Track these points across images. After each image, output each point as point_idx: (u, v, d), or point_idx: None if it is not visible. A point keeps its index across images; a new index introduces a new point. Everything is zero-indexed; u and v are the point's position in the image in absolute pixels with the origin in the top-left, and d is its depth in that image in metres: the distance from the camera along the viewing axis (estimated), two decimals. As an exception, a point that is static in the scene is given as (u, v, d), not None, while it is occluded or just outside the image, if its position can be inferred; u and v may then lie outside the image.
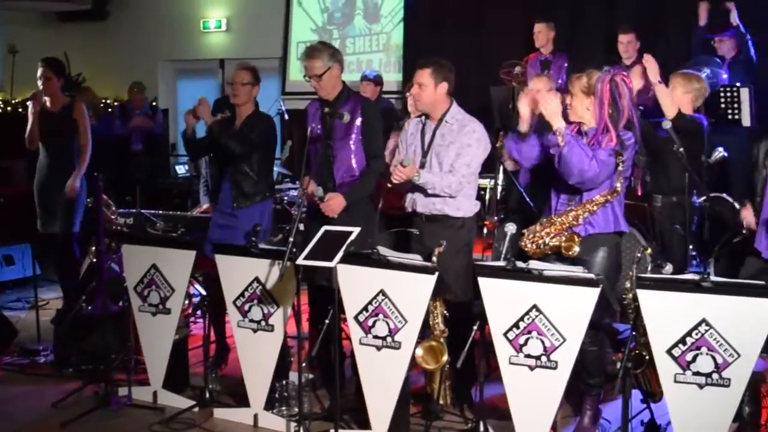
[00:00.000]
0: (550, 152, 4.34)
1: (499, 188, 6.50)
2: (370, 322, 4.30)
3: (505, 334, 4.02)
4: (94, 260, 6.25)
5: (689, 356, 3.69)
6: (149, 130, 9.50)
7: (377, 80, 7.90)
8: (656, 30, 8.39)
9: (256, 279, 4.68)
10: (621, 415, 3.77)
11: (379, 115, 5.08)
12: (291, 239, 4.33)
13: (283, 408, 4.75)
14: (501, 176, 6.39)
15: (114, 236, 5.90)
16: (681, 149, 5.21)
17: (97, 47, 12.04)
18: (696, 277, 3.72)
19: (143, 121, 9.44)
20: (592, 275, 3.89)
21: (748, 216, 4.64)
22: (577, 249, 4.22)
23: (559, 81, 7.38)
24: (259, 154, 5.36)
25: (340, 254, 4.19)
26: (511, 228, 4.70)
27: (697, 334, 3.67)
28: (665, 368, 3.74)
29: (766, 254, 4.50)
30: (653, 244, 5.44)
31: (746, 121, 6.99)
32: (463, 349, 4.15)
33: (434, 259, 4.17)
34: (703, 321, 3.66)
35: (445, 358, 4.39)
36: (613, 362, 4.52)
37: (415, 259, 4.29)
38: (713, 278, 3.73)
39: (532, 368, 3.96)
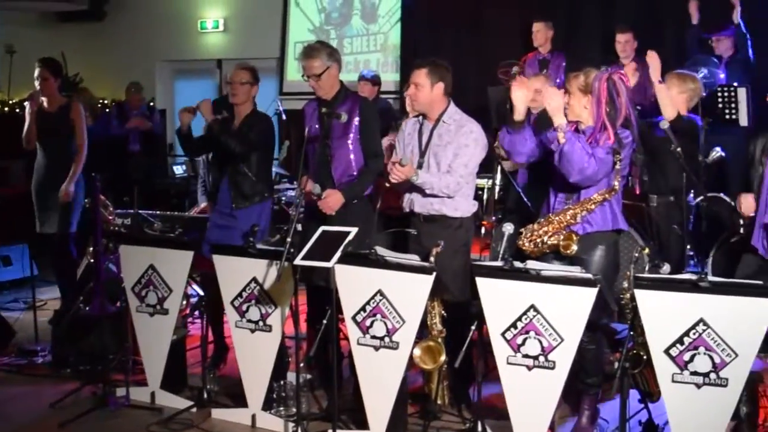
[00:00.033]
0: (549, 149, 4.30)
1: (497, 188, 6.50)
2: (367, 323, 4.30)
3: (502, 334, 4.01)
4: (92, 261, 6.23)
5: (687, 356, 3.69)
6: (147, 130, 9.45)
7: (375, 80, 7.91)
8: (654, 29, 8.40)
9: (254, 279, 4.67)
10: (619, 414, 3.76)
11: (377, 114, 5.08)
12: (289, 239, 4.34)
13: (281, 408, 4.74)
14: (499, 176, 6.39)
15: (111, 237, 5.87)
16: (679, 149, 5.21)
17: (95, 47, 12.03)
18: (693, 277, 3.72)
19: (141, 122, 9.41)
20: (589, 275, 3.88)
21: (747, 202, 4.57)
22: (575, 248, 4.20)
23: (557, 80, 7.38)
24: (258, 155, 5.35)
25: (338, 254, 4.18)
26: (508, 228, 4.71)
27: (694, 333, 3.67)
28: (663, 368, 3.74)
29: (764, 253, 4.49)
30: (651, 244, 5.45)
31: (743, 121, 6.98)
32: (461, 349, 4.16)
33: (432, 259, 4.16)
34: (701, 321, 3.66)
35: (443, 358, 4.39)
36: (611, 362, 4.54)
37: (413, 259, 4.28)
38: (711, 278, 3.73)
39: (529, 368, 3.96)
